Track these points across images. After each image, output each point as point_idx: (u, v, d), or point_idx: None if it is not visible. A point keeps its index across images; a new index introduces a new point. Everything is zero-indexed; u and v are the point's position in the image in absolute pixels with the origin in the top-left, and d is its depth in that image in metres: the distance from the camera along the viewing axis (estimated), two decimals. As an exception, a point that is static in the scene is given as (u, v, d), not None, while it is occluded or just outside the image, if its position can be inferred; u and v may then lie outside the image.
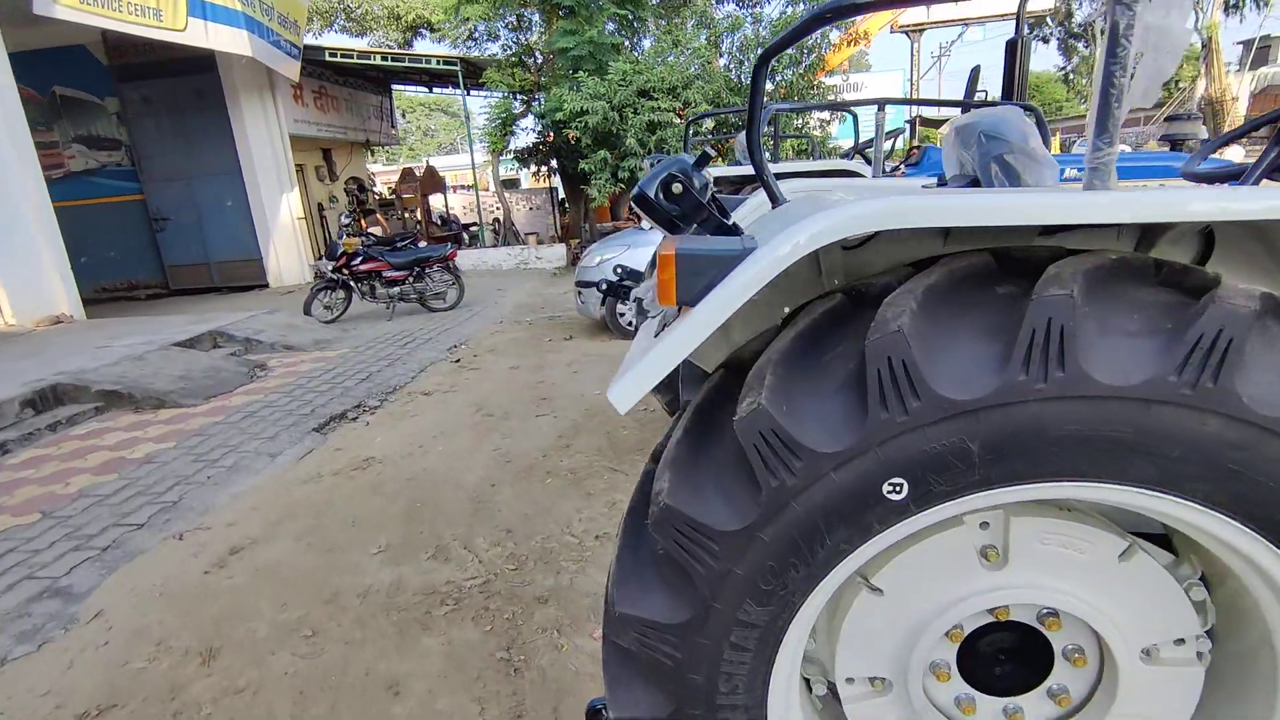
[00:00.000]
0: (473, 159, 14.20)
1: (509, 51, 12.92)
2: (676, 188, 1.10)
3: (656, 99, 10.58)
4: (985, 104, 4.49)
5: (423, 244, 9.43)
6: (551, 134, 12.19)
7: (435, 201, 15.98)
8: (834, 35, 12.42)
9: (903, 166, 6.96)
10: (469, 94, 13.86)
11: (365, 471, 3.89)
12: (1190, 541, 1.02)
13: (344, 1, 22.28)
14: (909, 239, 1.14)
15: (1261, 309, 0.78)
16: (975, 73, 4.68)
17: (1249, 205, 0.82)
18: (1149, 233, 1.08)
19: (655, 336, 1.07)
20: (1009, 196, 0.86)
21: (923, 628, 1.06)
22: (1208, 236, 1.11)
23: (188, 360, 6.08)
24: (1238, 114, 21.34)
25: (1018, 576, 1.03)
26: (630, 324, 6.31)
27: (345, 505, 3.47)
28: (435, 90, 18.05)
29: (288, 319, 7.85)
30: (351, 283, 8.29)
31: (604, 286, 5.46)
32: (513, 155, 13.86)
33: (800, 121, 11.59)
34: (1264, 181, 1.19)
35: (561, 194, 15.05)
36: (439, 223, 15.34)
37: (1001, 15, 18.71)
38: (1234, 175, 1.36)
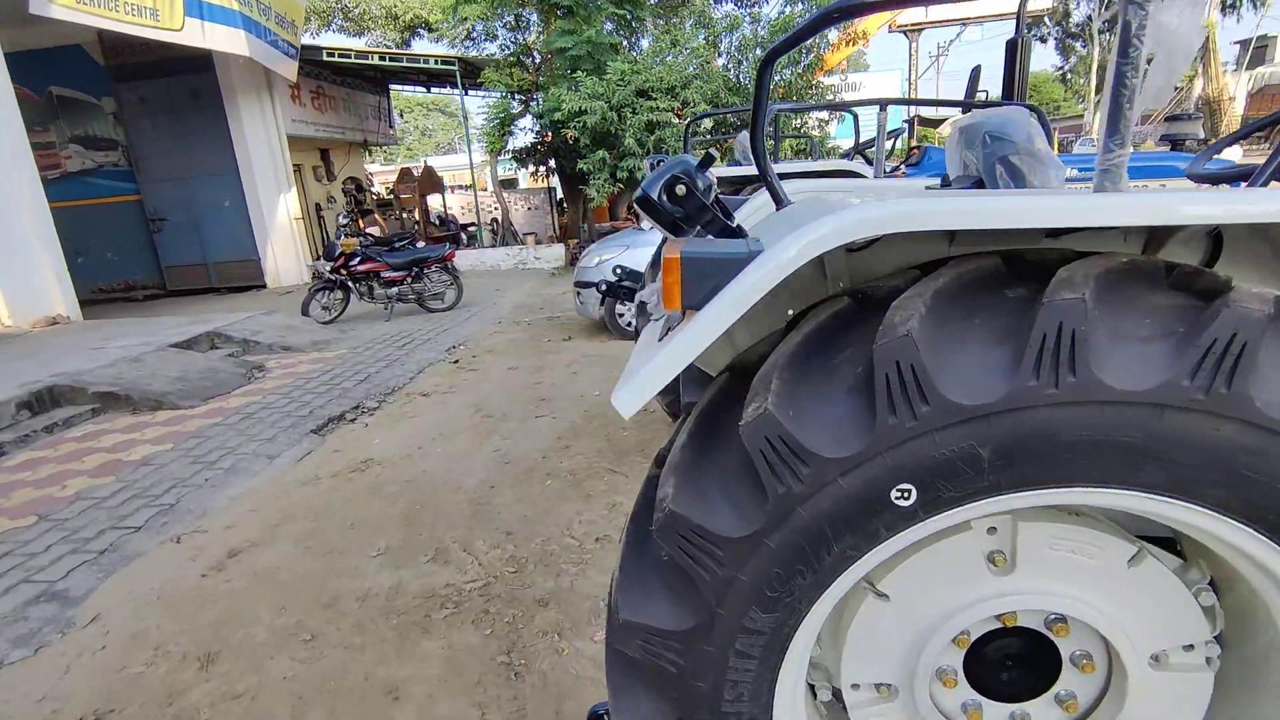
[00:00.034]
0: (471, 159, 14.17)
1: (507, 51, 12.89)
2: (680, 189, 1.08)
3: (655, 99, 10.56)
4: (986, 104, 4.48)
5: (421, 244, 9.41)
6: (550, 134, 12.17)
7: (433, 202, 15.95)
8: (832, 35, 12.42)
9: (903, 167, 6.96)
10: (467, 94, 13.83)
11: (364, 473, 3.87)
12: (1199, 546, 1.01)
13: (341, 1, 22.24)
14: (915, 241, 1.12)
15: (1275, 313, 0.77)
16: (976, 73, 4.67)
17: (1262, 208, 0.81)
18: (1157, 234, 1.07)
19: (659, 340, 1.05)
20: (1019, 199, 0.85)
21: (929, 633, 1.05)
22: (1215, 238, 1.10)
23: (185, 361, 6.06)
24: (1235, 114, 21.39)
25: (1025, 582, 1.02)
26: (629, 324, 6.30)
27: (344, 508, 3.46)
28: (433, 90, 18.00)
29: (285, 320, 7.83)
30: (349, 283, 8.27)
31: (603, 287, 5.44)
32: (511, 155, 13.83)
33: (799, 121, 11.58)
34: (1273, 183, 1.18)
35: (560, 194, 15.03)
36: (437, 223, 15.31)
37: (999, 15, 18.73)
38: (1241, 176, 1.35)
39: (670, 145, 10.57)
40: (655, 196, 1.09)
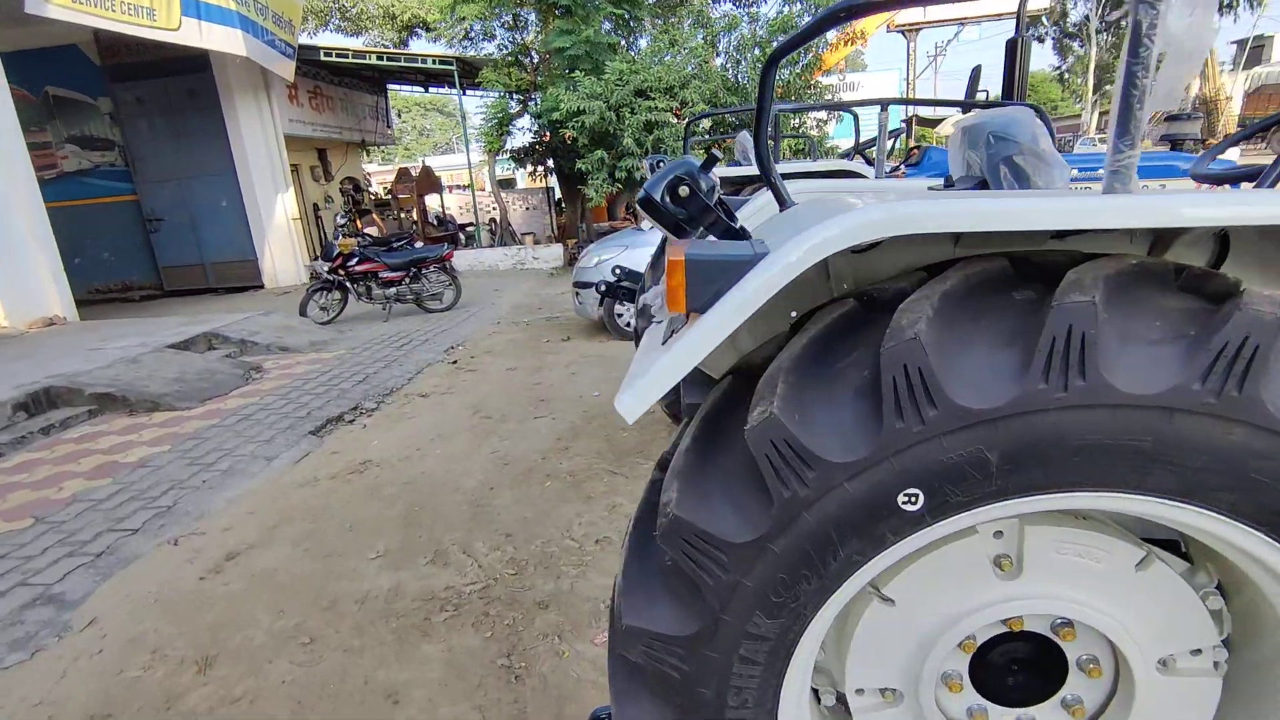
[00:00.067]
0: (469, 159, 14.15)
1: (505, 51, 12.87)
2: (683, 191, 1.07)
3: (653, 99, 10.55)
4: (987, 104, 4.48)
5: (419, 244, 9.39)
6: (548, 134, 12.15)
7: (431, 201, 15.92)
8: (831, 35, 12.41)
9: (903, 167, 6.96)
10: (465, 94, 13.81)
11: (362, 475, 3.86)
12: (1206, 550, 1.00)
13: (339, 1, 22.19)
14: (919, 242, 1.12)
15: None
16: (976, 72, 4.67)
17: (1271, 210, 0.80)
18: (1163, 235, 1.06)
19: (663, 344, 1.04)
20: (1031, 201, 0.84)
21: (935, 638, 1.04)
22: (1222, 239, 1.10)
23: (182, 362, 6.03)
24: (1232, 113, 21.44)
25: (1032, 586, 1.01)
26: (628, 325, 6.29)
27: (342, 509, 3.44)
28: (431, 90, 17.98)
29: (283, 320, 7.81)
30: (347, 284, 8.24)
31: (602, 287, 5.43)
32: (509, 155, 13.81)
33: (797, 121, 11.58)
34: None
35: (558, 194, 15.01)
36: (435, 223, 15.28)
37: (998, 15, 18.76)
38: (1246, 177, 1.35)
39: (669, 145, 10.56)
40: (658, 198, 1.08)
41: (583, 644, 2.30)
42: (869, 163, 5.23)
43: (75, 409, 5.05)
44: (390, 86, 16.90)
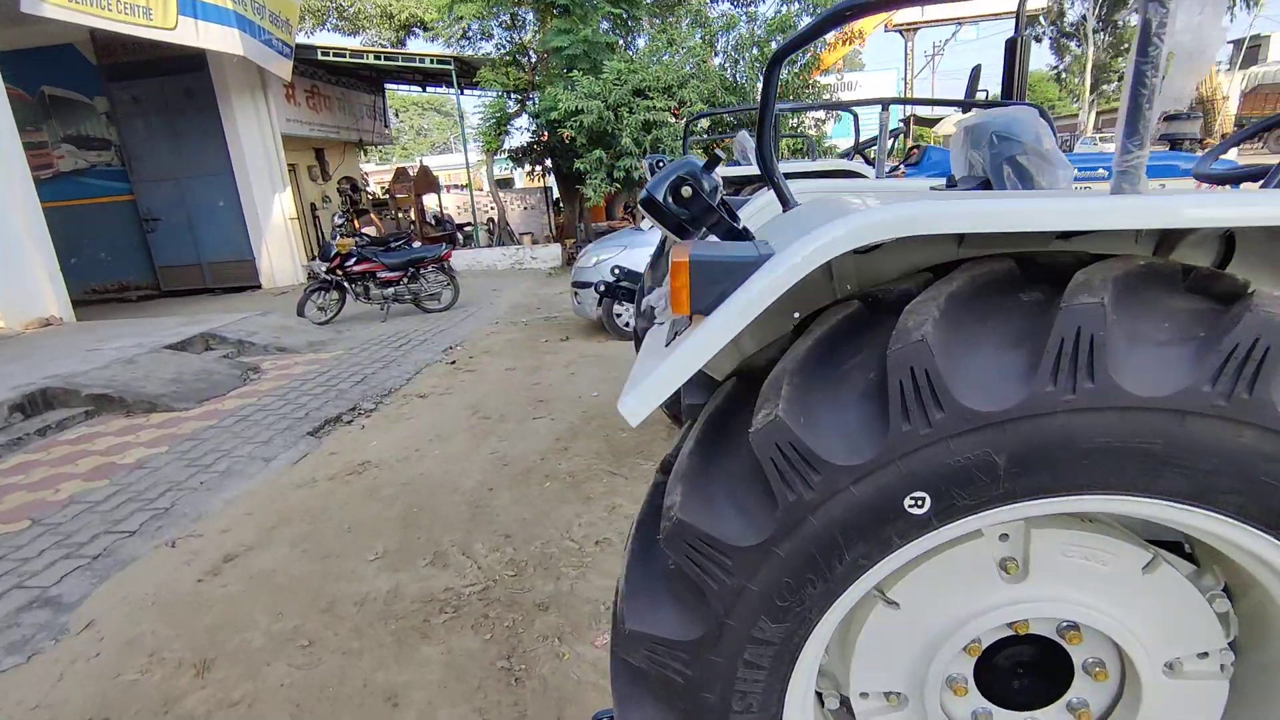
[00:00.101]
0: (467, 158, 14.12)
1: (503, 50, 12.85)
2: (686, 191, 1.06)
3: (652, 98, 10.54)
4: (987, 104, 4.48)
5: (417, 244, 9.37)
6: (546, 133, 12.13)
7: (429, 201, 15.90)
8: (829, 34, 12.41)
9: (902, 166, 6.96)
10: (463, 93, 13.78)
11: (361, 476, 3.85)
12: (1213, 552, 0.99)
13: (336, 0, 22.14)
14: (923, 242, 1.11)
15: None
16: (976, 72, 4.67)
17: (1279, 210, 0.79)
18: (1169, 236, 1.06)
19: (666, 345, 1.03)
20: (1040, 202, 0.83)
21: (940, 641, 1.03)
22: (1228, 239, 1.09)
23: (179, 363, 6.01)
24: (1228, 113, 21.50)
25: (1038, 589, 1.00)
26: (627, 324, 6.28)
27: (341, 510, 3.43)
28: (429, 89, 17.94)
29: (281, 320, 7.79)
30: (345, 284, 8.23)
31: (601, 287, 5.42)
32: (507, 155, 13.79)
33: (795, 121, 11.58)
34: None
35: (556, 194, 14.99)
36: (433, 223, 15.26)
37: (996, 14, 18.79)
38: (1252, 176, 1.34)
39: (667, 144, 10.55)
40: (660, 198, 1.07)
41: (583, 646, 2.30)
42: (868, 162, 5.22)
43: (72, 410, 5.03)
44: (388, 86, 16.87)
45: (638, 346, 3.61)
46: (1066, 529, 0.99)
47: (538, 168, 14.16)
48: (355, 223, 12.23)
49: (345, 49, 13.02)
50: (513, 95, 12.49)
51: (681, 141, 7.26)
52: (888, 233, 0.85)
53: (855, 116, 6.21)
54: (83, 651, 2.45)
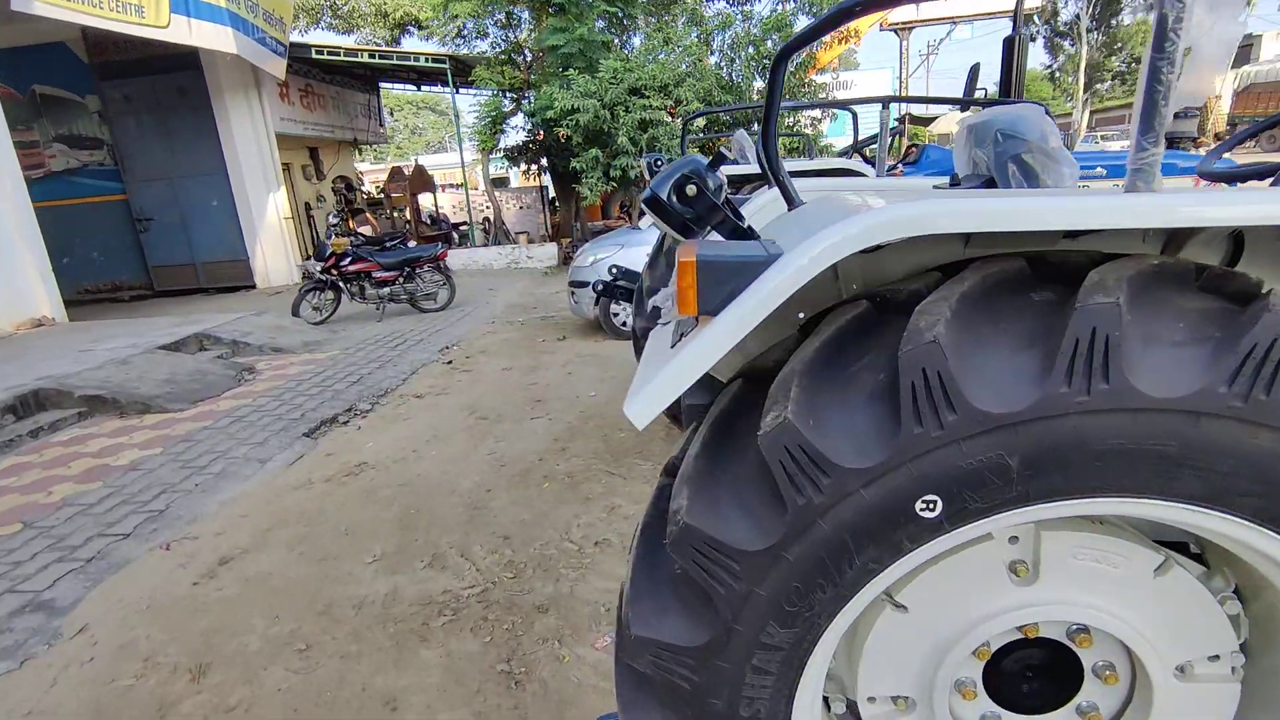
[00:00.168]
0: (462, 157, 14.08)
1: (498, 49, 12.80)
2: (691, 190, 1.05)
3: (648, 97, 10.52)
4: (986, 102, 4.47)
5: (412, 244, 9.33)
6: (542, 132, 12.09)
7: (424, 200, 15.82)
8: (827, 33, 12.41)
9: (900, 165, 6.96)
10: (458, 92, 13.72)
11: (357, 477, 3.82)
12: (1223, 553, 0.98)
13: (330, -2, 22.03)
14: (930, 242, 1.10)
15: None
16: (975, 70, 4.66)
17: None
18: (1177, 235, 1.05)
19: (672, 347, 1.02)
20: (1050, 200, 0.82)
21: (949, 645, 1.02)
22: (1236, 238, 1.08)
23: (173, 363, 5.97)
24: (1220, 112, 21.61)
25: (1048, 592, 0.99)
26: (624, 324, 6.26)
27: (337, 512, 3.40)
28: (424, 88, 17.87)
29: (276, 320, 7.74)
30: (340, 283, 8.18)
31: (599, 286, 5.41)
32: (503, 154, 13.74)
33: (791, 120, 11.57)
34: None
35: (552, 193, 14.96)
36: (428, 222, 15.19)
37: (992, 13, 18.84)
38: (1256, 175, 1.33)
39: (663, 143, 10.53)
40: (665, 197, 1.05)
41: (583, 648, 2.28)
42: (867, 161, 5.21)
43: (64, 411, 4.98)
44: (382, 85, 16.80)
45: (636, 346, 3.59)
46: (1077, 531, 0.98)
47: (533, 167, 14.12)
48: (350, 222, 12.17)
49: (339, 47, 12.95)
50: (508, 94, 12.45)
51: (679, 140, 7.25)
52: (899, 232, 0.84)
53: (854, 115, 6.21)
54: (76, 656, 2.42)
